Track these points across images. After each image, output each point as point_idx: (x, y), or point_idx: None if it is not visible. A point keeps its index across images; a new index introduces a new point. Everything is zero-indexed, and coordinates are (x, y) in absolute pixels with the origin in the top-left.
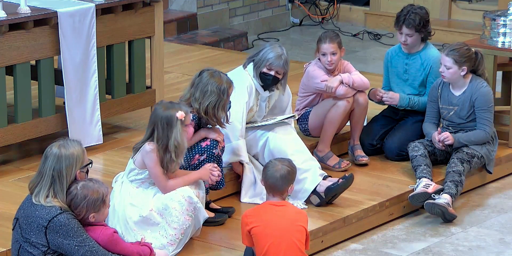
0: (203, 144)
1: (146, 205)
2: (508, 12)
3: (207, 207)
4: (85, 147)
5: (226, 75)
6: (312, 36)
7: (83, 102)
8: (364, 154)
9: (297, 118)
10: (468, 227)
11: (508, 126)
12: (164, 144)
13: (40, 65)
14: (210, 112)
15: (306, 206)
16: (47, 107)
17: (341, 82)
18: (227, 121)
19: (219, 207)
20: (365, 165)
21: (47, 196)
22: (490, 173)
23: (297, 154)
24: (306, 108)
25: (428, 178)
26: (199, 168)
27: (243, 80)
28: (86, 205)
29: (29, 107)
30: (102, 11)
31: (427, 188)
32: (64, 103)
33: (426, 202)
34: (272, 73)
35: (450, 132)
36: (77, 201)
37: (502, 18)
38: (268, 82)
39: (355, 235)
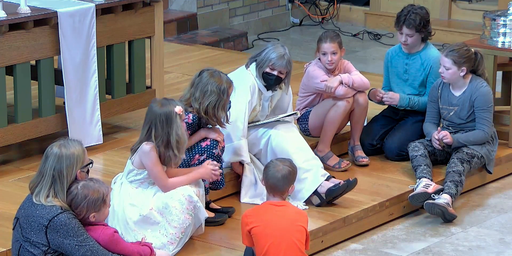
0: (203, 144)
1: (146, 204)
2: (508, 12)
3: (207, 207)
4: (85, 147)
5: (226, 75)
6: (312, 36)
7: (83, 102)
8: (364, 155)
9: (299, 115)
10: (468, 227)
11: (508, 126)
12: (164, 141)
13: (40, 65)
14: (210, 112)
15: (307, 207)
16: (47, 107)
17: (341, 82)
18: (227, 121)
19: (219, 207)
20: (365, 165)
21: (47, 196)
22: (490, 173)
23: (299, 152)
24: (306, 108)
25: (428, 178)
26: None
27: (245, 80)
28: (86, 204)
29: (29, 107)
30: (102, 11)
31: (427, 188)
32: (64, 103)
33: (426, 202)
34: (275, 73)
35: (450, 132)
36: (78, 201)
37: (502, 18)
38: (271, 82)
39: (355, 235)
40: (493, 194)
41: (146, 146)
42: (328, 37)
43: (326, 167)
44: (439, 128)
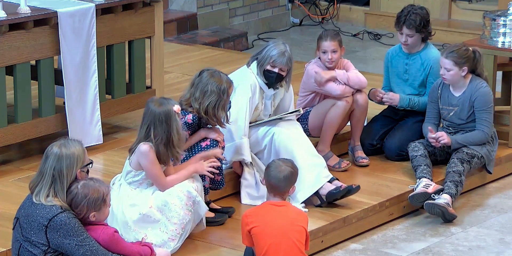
0: (203, 144)
1: (145, 202)
2: (508, 12)
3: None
4: (85, 147)
5: (226, 75)
6: (312, 36)
7: (83, 102)
8: (364, 156)
9: (302, 112)
10: (468, 227)
11: (508, 126)
12: (164, 139)
13: (40, 65)
14: (210, 112)
15: (307, 210)
16: (47, 107)
17: (335, 79)
18: (227, 121)
19: (219, 207)
20: (365, 166)
21: (47, 196)
22: (490, 173)
23: (302, 151)
24: (306, 108)
25: (428, 178)
26: None
27: (246, 78)
28: (86, 204)
29: (29, 107)
30: (102, 11)
31: (427, 188)
32: (64, 103)
33: (426, 202)
34: (276, 70)
35: (450, 133)
36: (78, 200)
37: (502, 18)
38: (272, 79)
39: (355, 235)
40: (493, 194)
41: (144, 146)
42: (328, 35)
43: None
44: (429, 127)
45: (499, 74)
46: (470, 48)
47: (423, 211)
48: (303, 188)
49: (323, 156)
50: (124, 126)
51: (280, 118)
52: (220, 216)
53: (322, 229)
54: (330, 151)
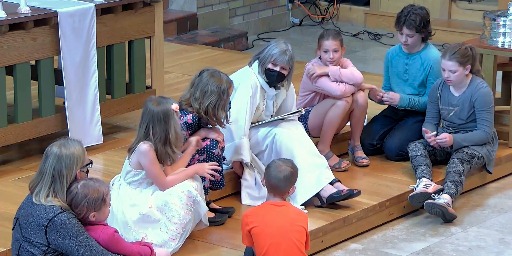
0: (203, 144)
1: (145, 202)
2: (508, 12)
3: (207, 207)
4: (85, 147)
5: (226, 75)
6: (312, 36)
7: (83, 102)
8: (364, 156)
9: (303, 112)
10: (468, 227)
11: (508, 126)
12: (163, 138)
13: (40, 65)
14: (210, 112)
15: (307, 211)
16: (47, 107)
17: (327, 74)
18: (227, 121)
19: (219, 207)
20: (365, 166)
21: (47, 196)
22: (490, 173)
23: (304, 151)
24: (306, 108)
25: (428, 178)
26: None
27: (247, 78)
28: (86, 204)
29: (29, 107)
30: (102, 11)
31: (427, 188)
32: (64, 103)
33: (426, 202)
34: (277, 69)
35: (450, 133)
36: (78, 200)
37: (502, 18)
38: (273, 78)
39: (355, 235)
40: (493, 194)
41: (144, 146)
42: (330, 34)
43: None
44: (424, 129)
45: (499, 74)
46: (467, 46)
47: (423, 211)
48: (304, 190)
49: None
50: (124, 126)
51: (282, 119)
52: (220, 216)
53: (322, 229)
54: (330, 151)
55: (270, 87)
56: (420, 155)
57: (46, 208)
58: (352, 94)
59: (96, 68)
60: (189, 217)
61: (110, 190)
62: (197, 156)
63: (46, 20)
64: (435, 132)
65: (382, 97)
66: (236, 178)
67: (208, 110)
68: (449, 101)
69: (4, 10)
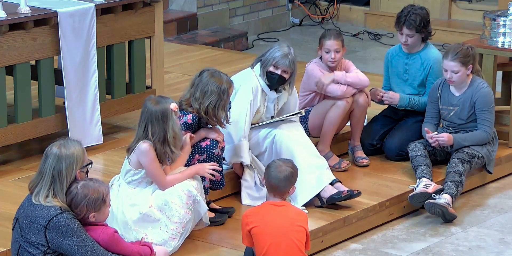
0: (203, 144)
1: (145, 202)
2: (508, 12)
3: (207, 207)
4: (85, 147)
5: (227, 75)
6: (312, 36)
7: (83, 102)
8: (364, 156)
9: (303, 114)
10: (468, 227)
11: (508, 126)
12: (161, 138)
13: (40, 65)
14: (210, 112)
15: (307, 211)
16: (47, 107)
17: (333, 80)
18: (227, 121)
19: (219, 207)
20: (365, 166)
21: (47, 196)
22: (490, 173)
23: (304, 152)
24: (306, 108)
25: (428, 178)
26: None
27: (249, 80)
28: (86, 204)
29: (29, 107)
30: (102, 11)
31: (427, 188)
32: (64, 103)
33: (426, 201)
34: (278, 72)
35: (450, 133)
36: (77, 201)
37: (502, 18)
38: (274, 81)
39: (355, 235)
40: (493, 194)
41: (144, 145)
42: (332, 34)
43: None
44: (425, 129)
45: (499, 74)
46: (468, 46)
47: (423, 211)
48: (305, 190)
49: (323, 156)
50: (124, 126)
51: (282, 120)
52: (220, 216)
53: (322, 229)
54: (330, 151)
55: (271, 90)
56: (420, 155)
57: (46, 208)
58: (353, 94)
59: (96, 68)
60: (189, 217)
61: (109, 191)
62: (197, 156)
63: (46, 20)
64: (436, 132)
65: (382, 97)
66: (236, 178)
67: (208, 110)
68: (449, 101)
69: (4, 10)
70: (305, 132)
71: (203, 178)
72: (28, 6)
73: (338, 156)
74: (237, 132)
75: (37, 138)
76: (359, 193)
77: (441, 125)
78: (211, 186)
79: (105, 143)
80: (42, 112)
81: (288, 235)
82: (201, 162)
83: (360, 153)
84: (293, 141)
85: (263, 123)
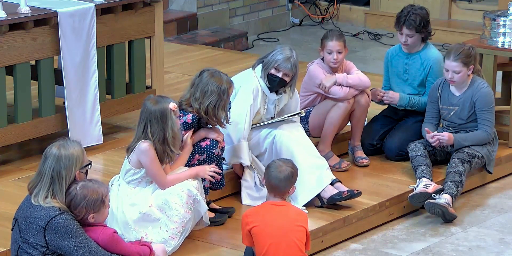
0: (203, 144)
1: (145, 201)
2: (508, 12)
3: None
4: (85, 147)
5: (227, 75)
6: (312, 36)
7: (83, 102)
8: (364, 156)
9: (303, 114)
10: (468, 227)
11: (508, 126)
12: (160, 137)
13: (40, 65)
14: (210, 112)
15: (307, 211)
16: (47, 107)
17: (335, 82)
18: (228, 121)
19: (219, 207)
20: (365, 166)
21: (46, 197)
22: (490, 173)
23: (304, 152)
24: (307, 108)
25: (428, 178)
26: None
27: (249, 82)
28: (85, 205)
29: (29, 107)
30: (102, 11)
31: (427, 188)
32: (64, 103)
33: (426, 201)
34: (280, 75)
35: (450, 133)
36: (77, 202)
37: (502, 18)
38: (274, 83)
39: (355, 235)
40: (493, 194)
41: (144, 144)
42: (334, 35)
43: None
44: (426, 129)
45: (499, 74)
46: (469, 46)
47: (423, 211)
48: (305, 191)
49: (323, 156)
50: (124, 126)
51: (282, 120)
52: (220, 216)
53: (322, 229)
54: (331, 151)
55: (271, 92)
56: (420, 155)
57: (45, 209)
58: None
59: (96, 68)
60: (189, 216)
61: (109, 191)
62: (197, 156)
63: (46, 20)
64: (436, 132)
65: (382, 97)
66: (236, 178)
67: (208, 110)
68: (450, 101)
69: (4, 10)
70: (306, 132)
71: (203, 178)
72: (28, 6)
73: (338, 156)
74: (237, 133)
75: (37, 138)
76: (359, 193)
77: (441, 125)
78: (211, 186)
79: (105, 143)
80: (42, 112)
81: (288, 235)
82: (201, 162)
83: (360, 153)
84: (293, 142)
85: (264, 123)
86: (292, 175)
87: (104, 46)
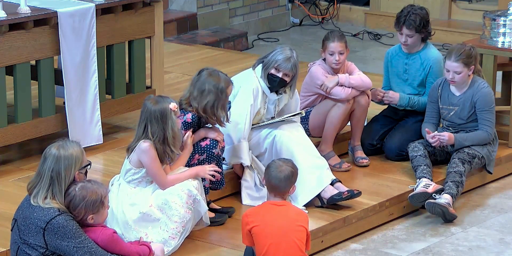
0: (203, 143)
1: (145, 201)
2: (508, 12)
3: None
4: (85, 147)
5: (226, 74)
6: (312, 36)
7: (83, 102)
8: (364, 156)
9: (304, 114)
10: (468, 227)
11: (508, 126)
12: (161, 137)
13: (40, 65)
14: (209, 111)
15: (307, 211)
16: (47, 107)
17: (337, 83)
18: (227, 120)
19: (219, 207)
20: (365, 166)
21: (45, 198)
22: (490, 173)
23: (304, 153)
24: (307, 108)
25: (428, 178)
26: None
27: (249, 82)
28: (84, 206)
29: (29, 107)
30: (102, 11)
31: (427, 188)
32: (64, 103)
33: (427, 201)
34: (280, 75)
35: (450, 133)
36: (76, 203)
37: (502, 18)
38: (274, 83)
39: (355, 235)
40: (493, 194)
41: (144, 144)
42: (335, 36)
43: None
44: (426, 129)
45: (499, 74)
46: (470, 46)
47: (423, 211)
48: (305, 191)
49: (324, 156)
50: (124, 126)
51: (283, 120)
52: (220, 216)
53: (322, 229)
54: (332, 150)
55: (271, 92)
56: (420, 155)
57: (44, 210)
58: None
59: (96, 68)
60: (189, 216)
61: (108, 192)
62: (197, 155)
63: (46, 20)
64: (436, 132)
65: (382, 97)
66: (236, 178)
67: (207, 109)
68: (450, 101)
69: (4, 10)
70: (306, 132)
71: (203, 178)
72: (28, 6)
73: (338, 156)
74: (237, 134)
75: (37, 138)
76: (359, 193)
77: (441, 125)
78: (211, 186)
79: (105, 143)
80: (42, 112)
81: (289, 234)
82: (201, 162)
83: (360, 153)
84: (293, 142)
85: (264, 123)
86: (292, 175)
87: (104, 46)
